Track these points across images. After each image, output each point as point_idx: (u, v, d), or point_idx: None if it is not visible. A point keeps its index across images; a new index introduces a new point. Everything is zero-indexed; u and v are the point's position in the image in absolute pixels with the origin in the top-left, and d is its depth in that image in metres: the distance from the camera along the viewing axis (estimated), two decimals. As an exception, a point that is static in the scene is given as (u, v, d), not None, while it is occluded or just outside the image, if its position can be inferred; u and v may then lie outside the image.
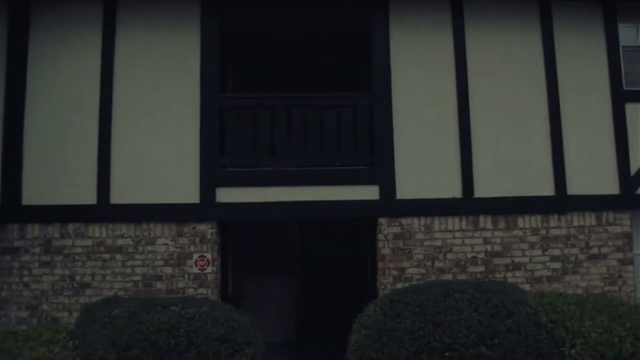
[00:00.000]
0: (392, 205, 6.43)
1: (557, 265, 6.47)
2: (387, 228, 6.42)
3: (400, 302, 4.93)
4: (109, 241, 6.38)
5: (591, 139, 6.68)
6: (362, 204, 6.43)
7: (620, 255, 6.52)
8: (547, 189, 6.58)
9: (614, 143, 6.67)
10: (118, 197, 6.41)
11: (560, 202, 6.54)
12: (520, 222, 6.51)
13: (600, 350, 4.45)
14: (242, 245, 8.72)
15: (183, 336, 4.72)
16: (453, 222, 6.47)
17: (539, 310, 4.84)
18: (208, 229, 6.37)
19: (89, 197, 6.39)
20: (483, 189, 6.51)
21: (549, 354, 4.46)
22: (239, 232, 8.49)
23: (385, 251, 6.39)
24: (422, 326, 4.59)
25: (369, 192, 6.46)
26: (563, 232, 6.54)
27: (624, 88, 6.79)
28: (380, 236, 6.43)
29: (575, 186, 6.57)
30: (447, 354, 4.41)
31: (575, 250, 6.53)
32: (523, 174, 6.58)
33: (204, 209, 6.38)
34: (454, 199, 6.46)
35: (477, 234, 6.47)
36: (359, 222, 8.46)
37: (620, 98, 6.75)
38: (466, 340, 4.43)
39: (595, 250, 6.55)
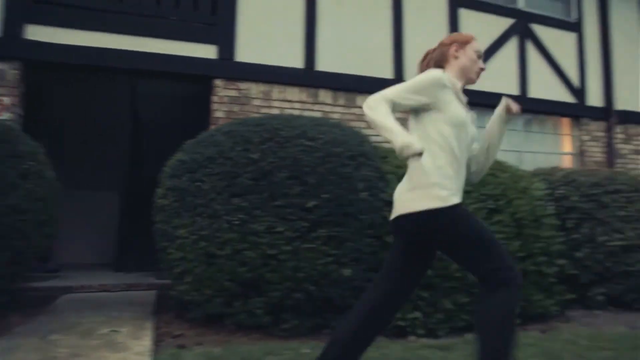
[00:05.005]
0: (229, 67, 5.99)
1: (393, 147, 6.47)
2: (222, 90, 5.95)
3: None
4: None
5: (430, 31, 6.90)
6: (198, 61, 5.88)
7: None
8: (386, 72, 6.64)
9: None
10: None
11: (398, 87, 6.60)
12: (360, 100, 6.45)
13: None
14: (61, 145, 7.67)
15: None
16: (292, 93, 6.21)
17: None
18: (9, 69, 5.40)
19: None
20: (324, 64, 6.37)
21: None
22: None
23: (219, 114, 5.89)
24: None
25: (207, 51, 5.95)
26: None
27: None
28: (214, 98, 5.92)
29: (413, 73, 6.69)
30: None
31: (410, 135, 6.60)
32: (365, 55, 6.55)
33: (7, 44, 5.40)
34: (294, 69, 6.22)
35: (316, 107, 6.27)
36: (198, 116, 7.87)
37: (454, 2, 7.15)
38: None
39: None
